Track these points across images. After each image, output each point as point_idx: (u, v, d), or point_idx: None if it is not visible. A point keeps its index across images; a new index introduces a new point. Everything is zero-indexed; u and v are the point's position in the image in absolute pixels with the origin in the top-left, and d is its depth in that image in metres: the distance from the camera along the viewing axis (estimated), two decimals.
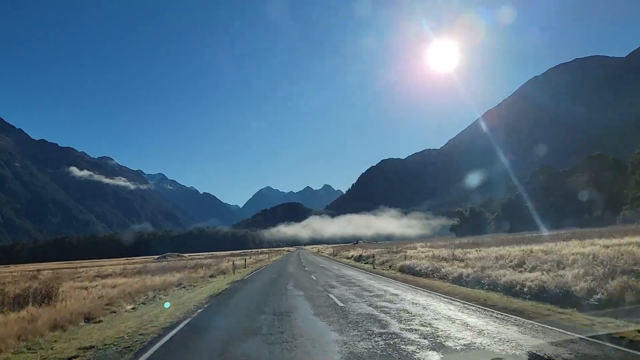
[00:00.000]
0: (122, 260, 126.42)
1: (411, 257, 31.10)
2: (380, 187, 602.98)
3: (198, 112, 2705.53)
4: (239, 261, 48.26)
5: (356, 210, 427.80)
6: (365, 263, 40.76)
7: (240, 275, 32.94)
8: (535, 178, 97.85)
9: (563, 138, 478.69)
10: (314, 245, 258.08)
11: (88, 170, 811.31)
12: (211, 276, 31.27)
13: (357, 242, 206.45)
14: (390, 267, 30.59)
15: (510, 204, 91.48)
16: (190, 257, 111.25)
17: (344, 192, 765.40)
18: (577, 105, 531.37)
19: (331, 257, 69.03)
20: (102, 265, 72.57)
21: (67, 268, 71.28)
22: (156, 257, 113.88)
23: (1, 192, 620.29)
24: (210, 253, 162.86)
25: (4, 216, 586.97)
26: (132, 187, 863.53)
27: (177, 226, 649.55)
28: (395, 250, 44.57)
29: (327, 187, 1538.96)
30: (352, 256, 50.97)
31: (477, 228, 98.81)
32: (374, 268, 32.77)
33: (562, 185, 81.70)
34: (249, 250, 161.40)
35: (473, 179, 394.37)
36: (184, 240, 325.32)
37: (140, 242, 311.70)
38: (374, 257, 38.97)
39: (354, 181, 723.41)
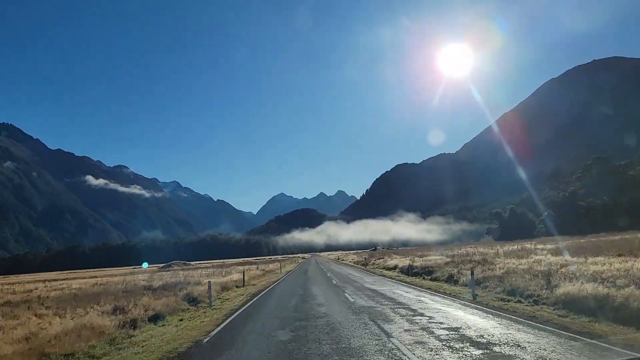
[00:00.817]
0: (121, 269, 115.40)
1: (514, 272, 18.69)
2: (395, 192, 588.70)
3: (212, 121, 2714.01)
4: (235, 276, 32.64)
5: (372, 215, 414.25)
6: (434, 280, 26.15)
7: (216, 316, 16.16)
8: (588, 172, 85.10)
9: (580, 141, 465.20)
10: (331, 252, 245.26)
11: (104, 178, 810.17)
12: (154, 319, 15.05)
13: (375, 249, 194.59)
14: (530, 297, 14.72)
15: (563, 203, 78.05)
16: (197, 265, 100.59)
17: (358, 198, 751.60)
18: (595, 107, 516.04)
19: (359, 266, 56.51)
20: (81, 278, 61.09)
21: (55, 279, 60.45)
22: (161, 265, 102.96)
23: (18, 201, 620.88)
24: (221, 261, 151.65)
25: (21, 225, 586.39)
26: (147, 195, 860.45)
27: (191, 234, 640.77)
28: (471, 259, 29.43)
29: (340, 193, 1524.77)
30: (396, 267, 37.48)
31: (519, 231, 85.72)
32: (474, 298, 16.47)
33: (622, 181, 69.28)
34: (261, 258, 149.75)
35: (490, 183, 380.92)
36: (196, 247, 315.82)
37: (153, 249, 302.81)
38: (460, 270, 24.75)
39: (368, 187, 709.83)
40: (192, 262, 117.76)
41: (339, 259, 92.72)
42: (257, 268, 48.23)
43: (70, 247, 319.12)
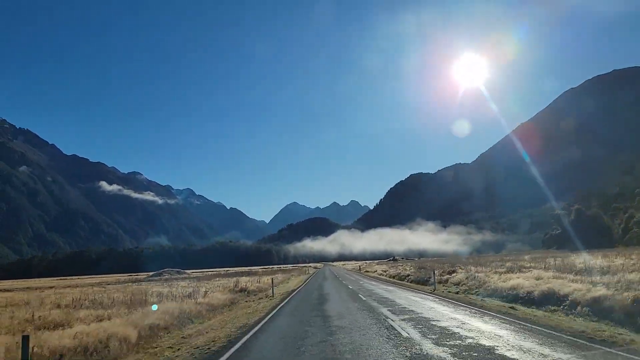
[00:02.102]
0: (122, 276, 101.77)
1: None
2: (410, 201, 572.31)
3: (227, 130, 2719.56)
4: (218, 295, 22.86)
5: (387, 224, 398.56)
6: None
7: None
8: None
9: (598, 152, 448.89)
10: (346, 262, 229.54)
11: (117, 184, 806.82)
12: None
13: (393, 259, 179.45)
14: None
15: None
16: (193, 273, 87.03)
17: (371, 208, 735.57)
18: (613, 118, 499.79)
19: (396, 281, 41.19)
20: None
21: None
22: (150, 274, 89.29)
23: (32, 206, 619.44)
24: (225, 269, 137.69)
25: (34, 229, 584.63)
26: (160, 201, 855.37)
27: (204, 241, 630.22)
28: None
29: (354, 203, 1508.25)
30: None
31: (591, 237, 69.32)
32: None
33: None
34: (267, 268, 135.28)
35: (507, 194, 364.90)
36: (205, 254, 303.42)
37: (159, 256, 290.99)
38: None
39: (381, 197, 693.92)
40: (187, 270, 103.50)
41: (360, 269, 78.47)
42: (259, 281, 33.75)
43: (76, 252, 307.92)
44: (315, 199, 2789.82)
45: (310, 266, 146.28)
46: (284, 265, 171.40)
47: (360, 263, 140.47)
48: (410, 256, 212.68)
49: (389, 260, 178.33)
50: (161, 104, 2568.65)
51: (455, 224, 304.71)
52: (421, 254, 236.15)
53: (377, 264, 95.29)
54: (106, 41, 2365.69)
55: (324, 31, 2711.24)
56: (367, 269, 72.91)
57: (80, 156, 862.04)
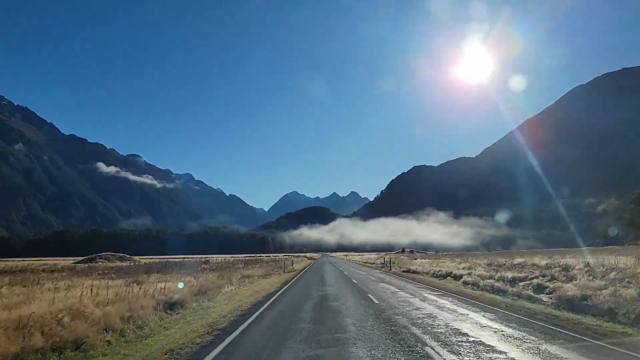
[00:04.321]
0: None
1: None
2: (413, 193, 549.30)
3: (229, 117, 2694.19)
4: None
5: (389, 215, 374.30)
6: None
7: None
8: None
9: (602, 150, 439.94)
10: (347, 253, 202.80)
11: (115, 166, 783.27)
12: None
13: (403, 251, 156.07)
14: None
15: None
16: (145, 260, 61.78)
17: (371, 200, 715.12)
18: (622, 116, 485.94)
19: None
20: None
21: None
22: (81, 259, 63.98)
23: (28, 184, 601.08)
24: (206, 256, 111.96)
25: (29, 208, 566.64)
26: (159, 185, 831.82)
27: (200, 226, 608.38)
28: None
29: (354, 194, 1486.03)
30: None
31: None
32: None
33: None
34: (263, 256, 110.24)
35: (511, 189, 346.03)
36: (196, 239, 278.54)
37: (145, 238, 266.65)
38: None
39: (382, 188, 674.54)
40: (136, 257, 77.69)
41: (388, 265, 45.53)
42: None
43: (57, 233, 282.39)
44: (316, 188, 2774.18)
45: (305, 256, 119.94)
46: (276, 255, 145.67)
47: (372, 255, 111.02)
48: (414, 248, 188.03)
49: (399, 252, 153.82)
50: (165, 89, 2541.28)
51: (471, 215, 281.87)
52: (425, 247, 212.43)
53: (398, 255, 70.06)
54: (109, 24, 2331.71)
55: (329, 23, 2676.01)
56: (411, 267, 36.66)
57: (78, 136, 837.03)
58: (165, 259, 71.37)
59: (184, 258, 71.94)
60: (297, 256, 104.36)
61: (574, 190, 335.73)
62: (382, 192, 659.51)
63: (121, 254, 68.28)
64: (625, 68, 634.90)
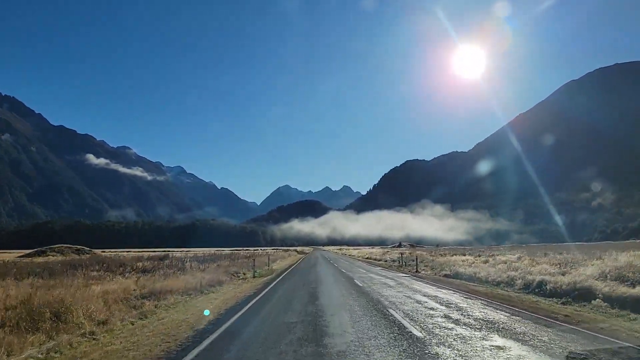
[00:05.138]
0: None
1: None
2: (405, 187, 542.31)
3: (221, 110, 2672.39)
4: None
5: (381, 209, 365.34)
6: None
7: None
8: None
9: (594, 145, 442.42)
10: (342, 247, 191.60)
11: (105, 158, 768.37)
12: None
13: (400, 245, 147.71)
14: None
15: None
16: (111, 254, 51.62)
17: (364, 194, 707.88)
18: (614, 111, 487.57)
19: None
20: None
21: None
22: (28, 251, 53.77)
23: (15, 176, 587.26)
24: (188, 249, 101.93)
25: (16, 200, 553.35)
26: (149, 177, 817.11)
27: (190, 219, 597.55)
28: None
29: (346, 188, 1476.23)
30: None
31: None
32: None
33: None
34: (243, 250, 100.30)
35: (502, 184, 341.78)
36: (184, 231, 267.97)
37: (132, 231, 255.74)
38: None
39: (374, 183, 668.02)
40: (105, 250, 67.31)
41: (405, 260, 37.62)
42: None
43: (38, 225, 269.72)
44: (308, 182, 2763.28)
45: (295, 250, 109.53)
46: (263, 249, 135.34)
47: (373, 249, 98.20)
48: (410, 243, 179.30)
49: (395, 246, 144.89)
50: (158, 82, 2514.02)
51: (469, 208, 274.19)
52: (419, 242, 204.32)
53: (403, 250, 59.22)
54: (99, 14, 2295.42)
55: (324, 20, 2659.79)
56: (457, 269, 24.85)
57: (67, 127, 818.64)
58: (133, 252, 61.09)
59: (156, 251, 61.71)
60: (287, 250, 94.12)
61: (567, 185, 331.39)
62: (375, 185, 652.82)
63: (79, 247, 57.97)
64: (618, 63, 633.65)
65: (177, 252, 50.11)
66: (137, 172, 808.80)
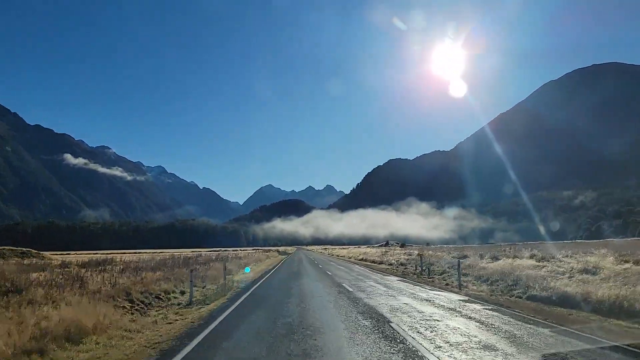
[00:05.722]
0: None
1: None
2: (389, 186, 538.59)
3: (203, 109, 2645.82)
4: None
5: (365, 208, 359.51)
6: None
7: None
8: None
9: (574, 143, 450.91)
10: (326, 246, 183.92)
11: (83, 158, 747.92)
12: None
13: (387, 244, 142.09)
14: None
15: None
16: (74, 258, 43.86)
17: (347, 193, 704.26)
18: (592, 111, 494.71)
19: None
20: None
21: None
22: None
23: None
24: (160, 251, 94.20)
25: None
26: (129, 178, 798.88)
27: (169, 219, 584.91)
28: None
29: (329, 187, 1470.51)
30: None
31: None
32: None
33: None
34: (230, 250, 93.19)
35: (482, 183, 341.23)
36: (162, 232, 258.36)
37: (110, 232, 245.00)
38: None
39: (358, 182, 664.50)
40: (64, 253, 59.35)
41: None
42: None
43: (9, 226, 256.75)
44: (291, 182, 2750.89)
45: (277, 250, 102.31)
46: (243, 249, 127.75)
47: (368, 249, 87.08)
48: (395, 242, 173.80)
49: (382, 245, 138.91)
50: (138, 80, 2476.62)
51: (442, 208, 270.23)
52: (404, 240, 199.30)
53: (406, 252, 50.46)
54: (77, 13, 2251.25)
55: (305, 17, 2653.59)
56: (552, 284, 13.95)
57: (44, 127, 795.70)
58: (85, 255, 53.48)
59: (105, 254, 54.10)
60: (268, 250, 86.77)
61: (548, 183, 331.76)
62: (358, 184, 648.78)
63: (24, 249, 50.05)
64: (595, 64, 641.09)
65: (130, 255, 42.09)
66: (117, 172, 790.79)
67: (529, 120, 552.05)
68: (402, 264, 32.49)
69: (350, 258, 56.77)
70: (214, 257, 35.43)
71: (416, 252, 39.77)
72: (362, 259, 47.96)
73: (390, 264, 35.09)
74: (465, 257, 26.67)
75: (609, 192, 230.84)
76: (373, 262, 41.10)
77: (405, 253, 42.97)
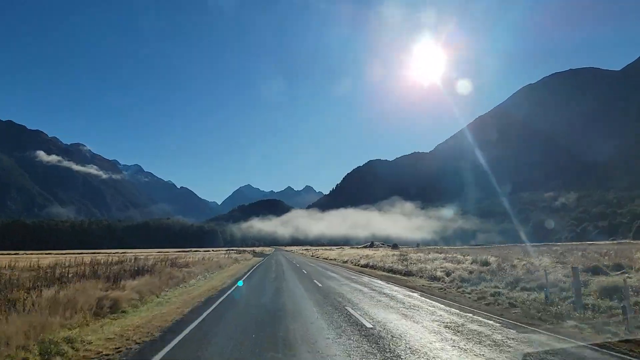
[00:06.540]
0: None
1: None
2: (368, 186, 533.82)
3: (181, 108, 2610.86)
4: None
5: (345, 208, 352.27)
6: None
7: None
8: None
9: (553, 145, 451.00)
10: (308, 247, 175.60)
11: (57, 155, 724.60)
12: None
13: (372, 244, 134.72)
14: None
15: None
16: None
17: (326, 194, 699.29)
18: (569, 114, 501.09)
19: None
20: None
21: None
22: None
23: None
24: (130, 251, 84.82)
25: None
26: (105, 176, 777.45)
27: (144, 217, 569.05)
28: None
29: (308, 188, 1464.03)
30: None
31: None
32: None
33: None
34: (202, 251, 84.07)
35: (461, 185, 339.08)
36: (135, 231, 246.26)
37: (76, 231, 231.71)
38: None
39: (337, 183, 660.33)
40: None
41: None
42: None
43: None
44: (270, 182, 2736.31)
45: (253, 251, 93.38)
46: (216, 249, 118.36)
47: (366, 250, 72.50)
48: (385, 242, 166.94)
49: (366, 246, 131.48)
50: (115, 77, 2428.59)
51: (425, 209, 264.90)
52: (386, 241, 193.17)
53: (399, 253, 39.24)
54: (52, 6, 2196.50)
55: (290, 23, 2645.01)
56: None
57: (16, 123, 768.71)
58: (35, 256, 44.09)
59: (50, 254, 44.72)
60: (242, 252, 77.56)
61: (527, 184, 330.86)
62: (338, 185, 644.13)
63: None
64: (572, 69, 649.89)
65: (74, 256, 32.13)
66: (92, 170, 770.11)
67: (508, 122, 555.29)
68: (463, 280, 17.99)
69: (345, 263, 41.83)
70: (177, 259, 26.20)
71: (441, 255, 30.19)
72: (366, 265, 33.57)
73: (442, 280, 19.31)
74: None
75: (588, 194, 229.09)
76: (391, 270, 27.17)
77: (429, 260, 28.51)
